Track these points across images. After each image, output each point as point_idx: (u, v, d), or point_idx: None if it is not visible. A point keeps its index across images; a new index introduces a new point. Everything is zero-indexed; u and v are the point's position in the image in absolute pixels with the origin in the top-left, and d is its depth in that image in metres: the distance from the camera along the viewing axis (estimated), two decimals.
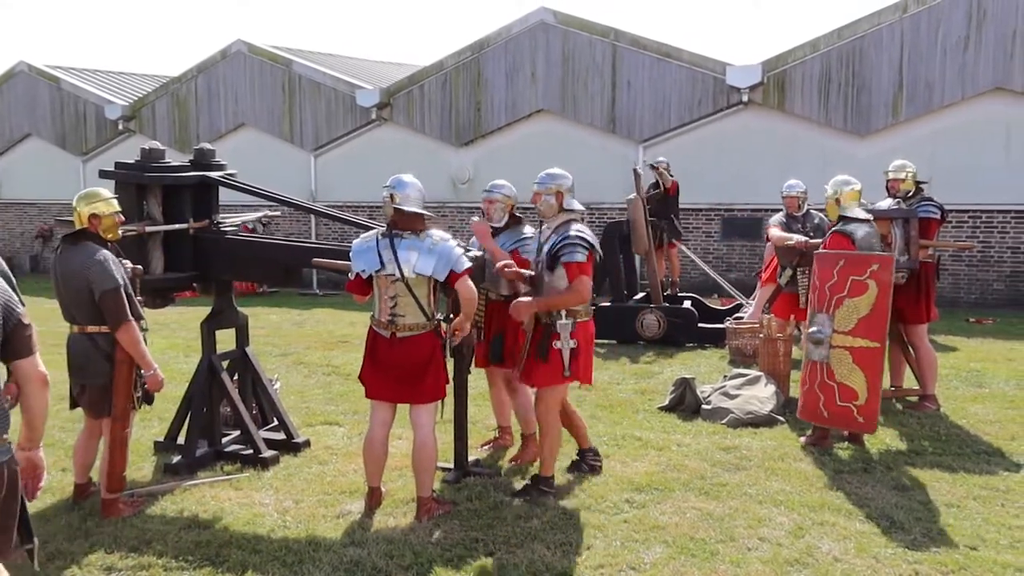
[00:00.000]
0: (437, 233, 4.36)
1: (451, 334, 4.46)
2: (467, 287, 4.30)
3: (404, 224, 4.32)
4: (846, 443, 5.59)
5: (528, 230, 5.27)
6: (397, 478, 5.00)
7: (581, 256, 4.46)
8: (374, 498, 4.57)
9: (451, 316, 4.57)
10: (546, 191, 4.62)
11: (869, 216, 5.78)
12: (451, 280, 4.29)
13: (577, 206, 4.66)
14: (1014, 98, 11.35)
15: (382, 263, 4.29)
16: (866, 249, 5.50)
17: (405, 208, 4.30)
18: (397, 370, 4.34)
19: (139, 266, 4.73)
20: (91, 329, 4.38)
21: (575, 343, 4.51)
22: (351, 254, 4.43)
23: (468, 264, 4.33)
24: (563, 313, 4.51)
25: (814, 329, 5.46)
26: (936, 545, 4.08)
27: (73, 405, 4.69)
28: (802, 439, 5.68)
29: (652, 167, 11.04)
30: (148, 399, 4.64)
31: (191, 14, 73.15)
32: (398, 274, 4.26)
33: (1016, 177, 11.46)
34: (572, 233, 4.52)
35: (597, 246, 4.57)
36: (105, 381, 4.41)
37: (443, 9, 67.47)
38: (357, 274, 4.40)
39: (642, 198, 9.58)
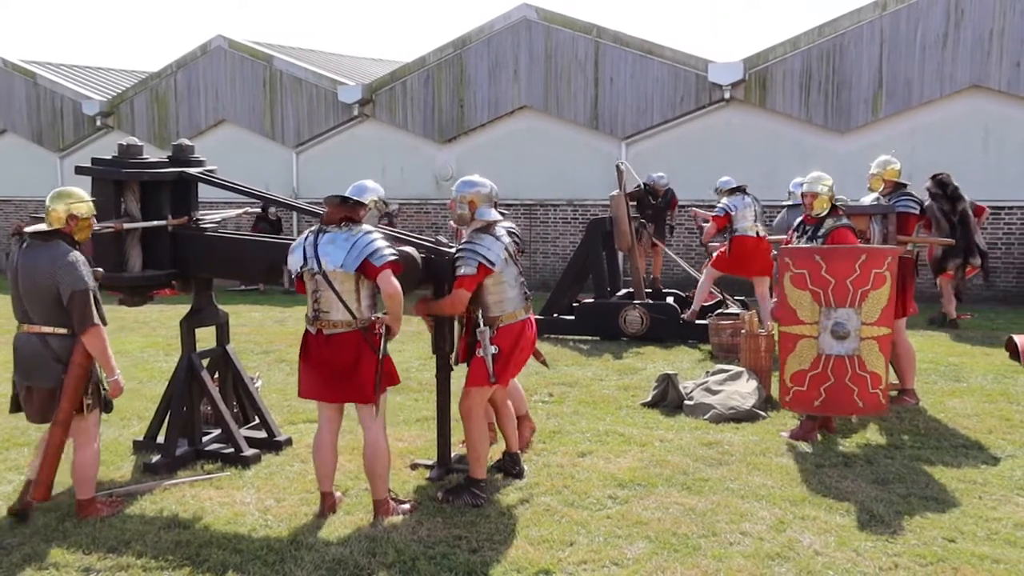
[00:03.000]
0: (361, 226, 4.25)
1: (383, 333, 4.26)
2: (388, 283, 4.12)
3: (330, 218, 4.26)
4: (825, 436, 5.64)
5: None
6: None
7: (467, 269, 4.45)
8: (326, 503, 4.46)
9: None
10: (459, 199, 4.62)
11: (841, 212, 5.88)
12: (368, 273, 4.15)
13: (492, 215, 4.62)
14: (992, 96, 11.48)
15: (306, 258, 4.26)
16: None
17: (334, 196, 4.25)
18: (326, 368, 4.27)
19: (99, 268, 4.54)
20: (45, 330, 4.22)
21: (496, 349, 4.52)
22: (288, 255, 4.40)
23: (389, 258, 4.15)
24: (481, 320, 4.53)
25: (841, 324, 5.45)
26: (915, 538, 4.13)
27: (15, 408, 4.44)
28: (783, 434, 5.72)
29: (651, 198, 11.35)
30: (107, 407, 4.48)
31: (170, 9, 72.46)
32: (316, 267, 4.21)
33: (993, 174, 11.60)
34: (462, 245, 4.54)
35: (490, 257, 4.46)
36: (54, 384, 4.24)
37: (426, 5, 67.29)
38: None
39: (625, 195, 9.60)
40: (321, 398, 4.38)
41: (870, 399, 5.49)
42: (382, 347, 4.28)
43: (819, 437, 5.61)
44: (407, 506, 4.50)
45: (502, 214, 5.33)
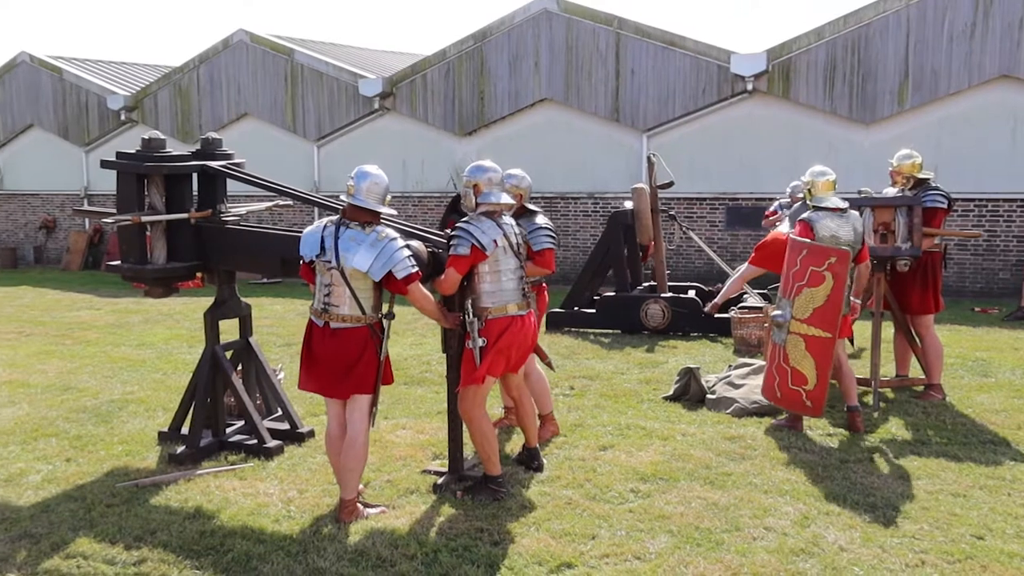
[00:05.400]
0: (385, 229, 4.23)
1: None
2: (418, 296, 4.21)
3: (353, 215, 4.25)
4: (849, 431, 5.58)
5: (541, 220, 5.27)
6: (401, 468, 5.00)
7: (460, 249, 4.38)
8: None
9: (393, 313, 4.39)
10: (465, 183, 4.59)
11: (844, 205, 5.73)
12: (389, 284, 4.17)
13: (503, 200, 4.55)
14: (1021, 86, 11.26)
15: (323, 248, 4.24)
16: (826, 240, 5.55)
17: (354, 202, 4.20)
18: (329, 363, 4.25)
19: None
20: None
21: (483, 341, 4.44)
22: (300, 240, 4.38)
23: (412, 270, 4.15)
24: (471, 311, 4.47)
25: (777, 313, 5.64)
26: (942, 535, 4.07)
27: None
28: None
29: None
30: None
31: (193, 3, 72.98)
32: (334, 262, 4.19)
33: (1022, 165, 11.39)
34: (459, 224, 4.47)
35: (483, 240, 4.39)
36: None
37: None
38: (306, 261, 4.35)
39: (653, 187, 9.51)
40: (324, 393, 4.36)
41: (789, 395, 5.58)
42: (384, 346, 4.29)
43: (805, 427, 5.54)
44: (377, 511, 4.40)
45: (530, 210, 5.33)
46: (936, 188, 6.48)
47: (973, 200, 11.63)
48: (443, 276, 4.44)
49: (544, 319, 5.72)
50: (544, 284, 5.61)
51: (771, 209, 9.96)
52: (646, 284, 10.01)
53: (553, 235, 5.28)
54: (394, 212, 4.41)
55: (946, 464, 5.01)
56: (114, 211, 5.25)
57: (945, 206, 6.43)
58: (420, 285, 4.24)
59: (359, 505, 4.38)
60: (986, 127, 11.45)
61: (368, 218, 4.24)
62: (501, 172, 4.66)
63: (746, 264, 9.20)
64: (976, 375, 7.17)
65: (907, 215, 6.16)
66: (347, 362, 4.24)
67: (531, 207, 5.40)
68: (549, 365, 5.42)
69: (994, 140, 11.42)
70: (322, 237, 4.24)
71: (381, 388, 4.39)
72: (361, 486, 4.63)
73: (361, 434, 4.30)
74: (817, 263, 5.39)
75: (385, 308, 4.35)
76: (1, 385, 7.32)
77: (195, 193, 5.38)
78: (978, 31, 11.29)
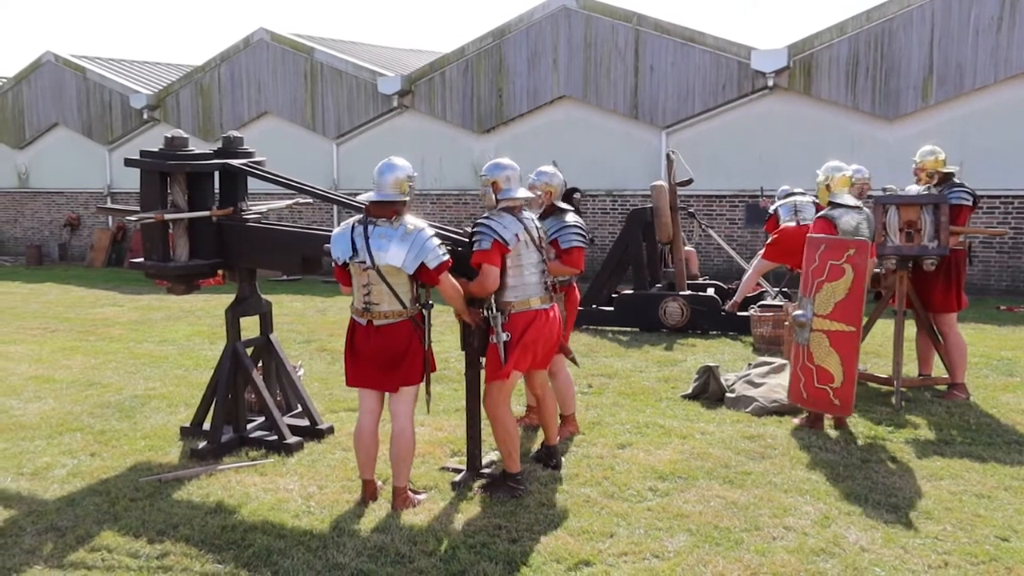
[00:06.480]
0: (412, 220, 4.25)
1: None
2: (447, 285, 4.25)
3: (377, 211, 4.27)
4: (872, 431, 5.53)
5: (570, 218, 5.25)
6: (420, 465, 5.01)
7: (483, 244, 4.37)
8: (368, 491, 4.51)
9: (431, 302, 4.43)
10: (484, 181, 4.59)
11: (859, 203, 5.76)
12: (421, 274, 4.21)
13: (521, 194, 4.54)
14: None
15: (355, 250, 4.25)
16: (850, 235, 5.51)
17: (376, 198, 4.22)
18: (376, 358, 4.30)
19: None
20: None
21: (507, 336, 4.44)
22: (330, 242, 4.40)
23: (443, 258, 4.21)
24: (494, 307, 4.46)
25: (799, 312, 5.58)
26: (966, 536, 4.02)
27: None
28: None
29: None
30: None
31: (214, 3, 73.57)
32: (369, 262, 4.21)
33: None
34: (479, 220, 4.46)
35: (505, 235, 4.38)
36: None
37: None
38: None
39: (672, 185, 9.46)
40: (373, 386, 4.41)
41: (815, 395, 5.50)
42: (427, 336, 4.35)
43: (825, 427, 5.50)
44: (423, 496, 4.53)
45: (561, 208, 5.31)
46: (961, 185, 6.40)
47: (999, 197, 11.47)
48: (480, 276, 4.40)
49: (576, 319, 5.69)
50: (574, 284, 5.59)
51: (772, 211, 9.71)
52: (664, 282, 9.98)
53: (583, 233, 5.25)
54: (407, 198, 4.31)
55: (970, 464, 4.95)
56: (137, 209, 5.32)
57: (970, 203, 6.34)
58: (450, 275, 4.27)
59: (410, 493, 4.46)
60: (1012, 122, 11.28)
61: (394, 212, 4.26)
62: (519, 169, 4.67)
63: (758, 258, 9.16)
64: (1001, 374, 7.07)
65: (933, 213, 6.09)
66: (395, 356, 4.29)
67: (561, 205, 5.37)
68: (573, 361, 5.41)
69: (1021, 135, 11.25)
70: (352, 239, 4.26)
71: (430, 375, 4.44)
72: (380, 482, 4.66)
73: (408, 425, 4.39)
74: (836, 256, 5.38)
75: (423, 298, 4.39)
76: (27, 380, 7.43)
77: (217, 191, 5.43)
78: (1005, 25, 11.12)
